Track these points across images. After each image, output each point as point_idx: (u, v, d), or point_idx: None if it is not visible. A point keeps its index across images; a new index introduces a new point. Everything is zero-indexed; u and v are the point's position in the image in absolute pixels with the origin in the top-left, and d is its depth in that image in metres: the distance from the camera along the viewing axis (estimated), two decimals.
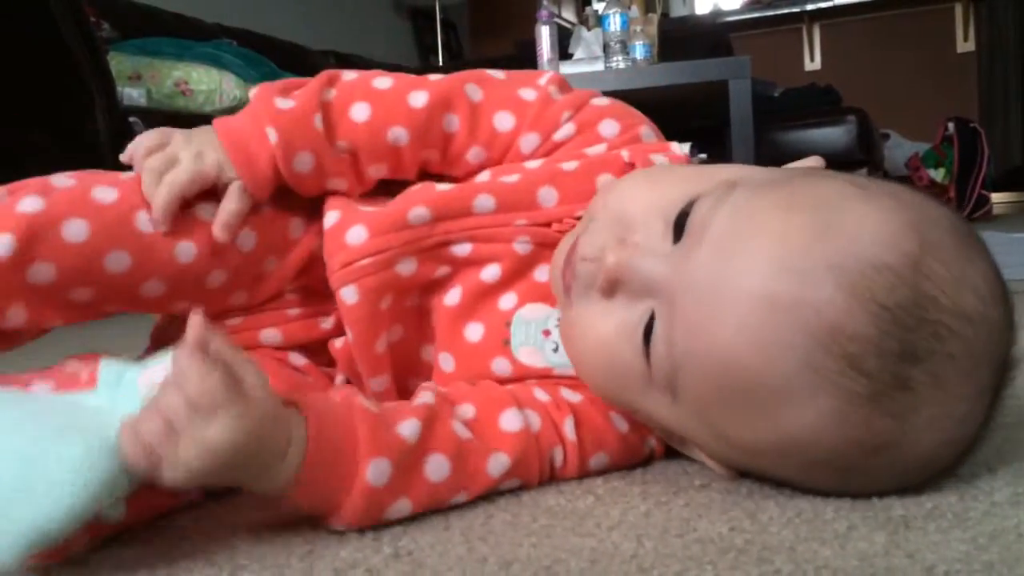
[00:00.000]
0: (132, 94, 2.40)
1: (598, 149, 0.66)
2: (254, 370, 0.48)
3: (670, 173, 0.60)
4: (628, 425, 0.60)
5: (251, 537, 0.51)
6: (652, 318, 0.52)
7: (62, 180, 0.60)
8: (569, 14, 5.32)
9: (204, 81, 2.60)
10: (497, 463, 0.55)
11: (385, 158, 0.67)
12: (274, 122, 0.63)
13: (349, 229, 0.64)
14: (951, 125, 4.00)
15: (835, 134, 3.50)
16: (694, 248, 0.50)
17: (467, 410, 0.57)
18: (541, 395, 0.60)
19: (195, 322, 0.47)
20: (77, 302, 0.60)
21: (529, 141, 0.67)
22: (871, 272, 0.46)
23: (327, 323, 0.69)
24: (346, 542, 0.49)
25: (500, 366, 0.63)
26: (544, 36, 2.65)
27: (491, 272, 0.64)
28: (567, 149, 0.67)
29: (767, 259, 0.47)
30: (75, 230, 0.58)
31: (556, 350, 0.62)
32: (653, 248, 0.53)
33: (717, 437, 0.53)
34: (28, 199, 0.57)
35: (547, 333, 0.63)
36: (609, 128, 0.67)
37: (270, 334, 0.68)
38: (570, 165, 0.65)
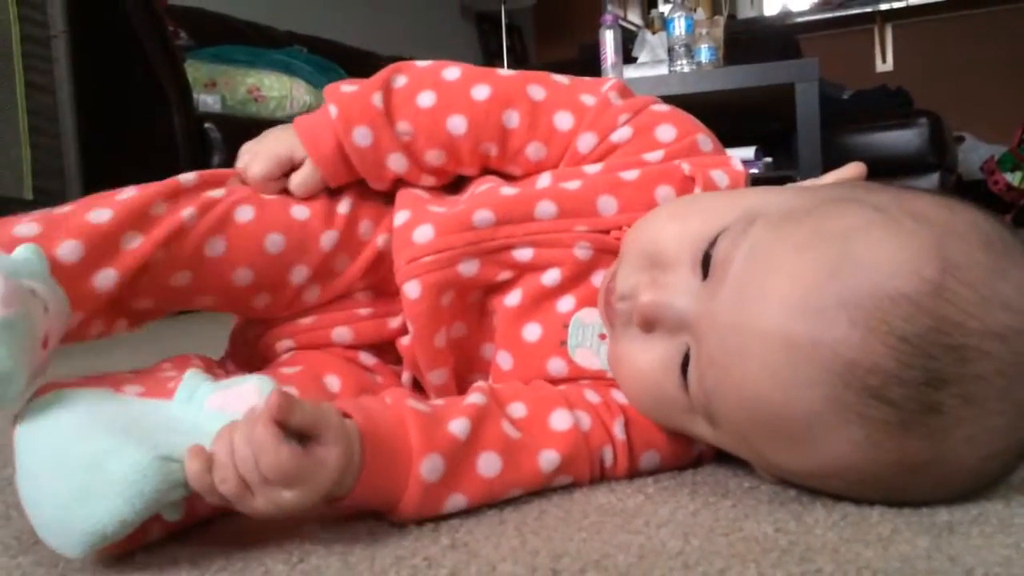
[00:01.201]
0: (207, 101, 2.48)
1: (656, 155, 0.68)
2: (334, 422, 0.48)
3: (695, 204, 0.61)
4: None
5: (318, 526, 0.53)
6: (688, 352, 0.54)
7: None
8: (635, 17, 5.31)
9: (276, 88, 2.67)
10: (547, 459, 0.57)
11: (443, 145, 0.70)
12: (336, 101, 0.69)
13: (417, 228, 0.67)
14: None
15: (906, 137, 3.40)
16: (718, 287, 0.52)
17: (517, 408, 0.59)
18: (592, 396, 0.62)
19: (273, 400, 0.47)
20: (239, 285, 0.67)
21: (586, 141, 0.69)
22: (887, 305, 0.46)
23: (395, 323, 0.72)
24: (407, 533, 0.52)
25: (556, 366, 0.66)
26: (608, 40, 2.65)
27: (551, 276, 0.66)
28: (624, 152, 0.69)
29: (782, 299, 0.49)
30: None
31: None
32: (683, 286, 0.55)
33: (759, 459, 0.56)
34: (215, 190, 0.67)
35: (603, 336, 0.65)
36: (666, 133, 0.68)
37: (341, 332, 0.72)
38: (630, 174, 0.67)
